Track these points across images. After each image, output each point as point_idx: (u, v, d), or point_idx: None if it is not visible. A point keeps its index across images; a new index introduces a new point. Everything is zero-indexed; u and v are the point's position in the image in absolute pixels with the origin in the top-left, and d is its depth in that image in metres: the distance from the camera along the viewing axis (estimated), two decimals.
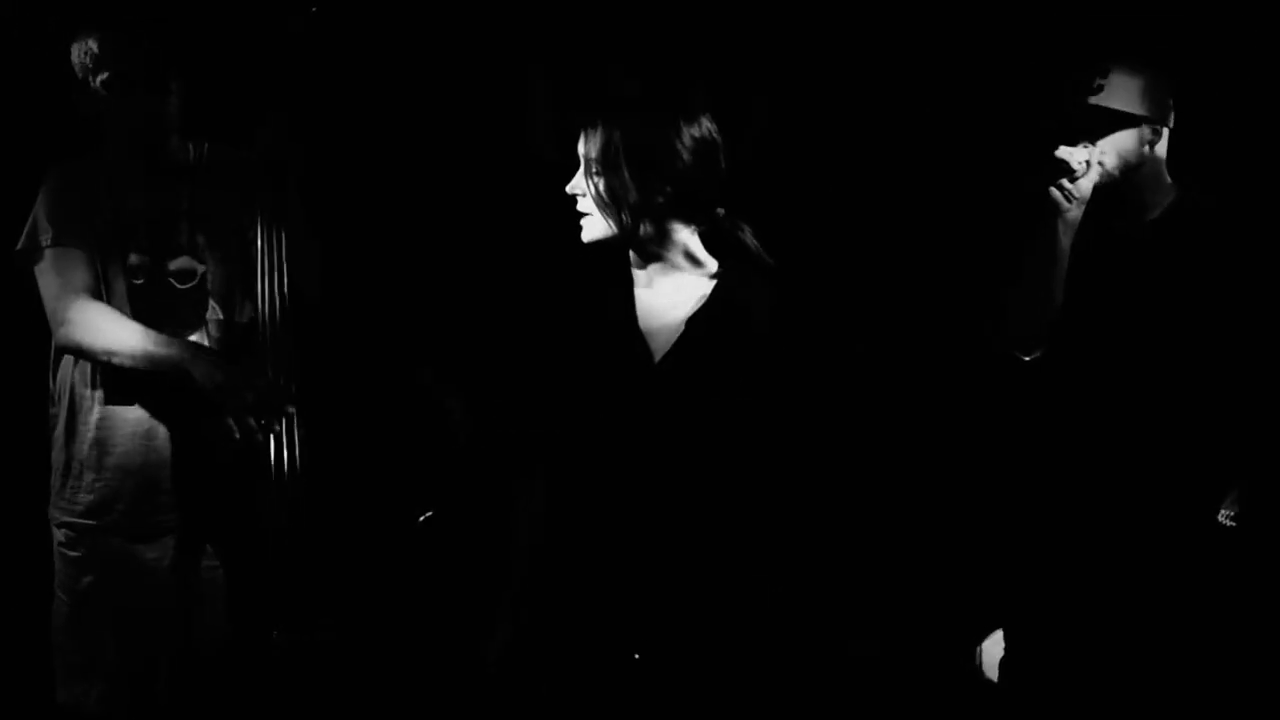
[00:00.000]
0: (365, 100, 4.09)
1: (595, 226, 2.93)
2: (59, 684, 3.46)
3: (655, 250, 2.94)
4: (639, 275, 2.99)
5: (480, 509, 3.61)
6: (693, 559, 2.90)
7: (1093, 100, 3.23)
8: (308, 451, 3.35)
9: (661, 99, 2.94)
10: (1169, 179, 3.35)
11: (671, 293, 2.98)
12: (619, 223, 2.89)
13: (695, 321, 2.91)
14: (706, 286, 2.96)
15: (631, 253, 2.97)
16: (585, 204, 2.92)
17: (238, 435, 3.33)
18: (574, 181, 2.91)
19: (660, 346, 2.92)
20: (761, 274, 2.99)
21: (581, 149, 2.90)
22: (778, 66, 4.19)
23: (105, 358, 3.34)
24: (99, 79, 3.38)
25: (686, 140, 2.83)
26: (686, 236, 2.93)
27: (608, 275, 3.00)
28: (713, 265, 2.98)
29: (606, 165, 2.86)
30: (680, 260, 2.96)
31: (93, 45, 3.38)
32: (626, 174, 2.85)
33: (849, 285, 4.12)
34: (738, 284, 2.98)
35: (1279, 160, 3.76)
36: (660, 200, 2.86)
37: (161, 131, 3.46)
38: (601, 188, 2.87)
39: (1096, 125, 3.23)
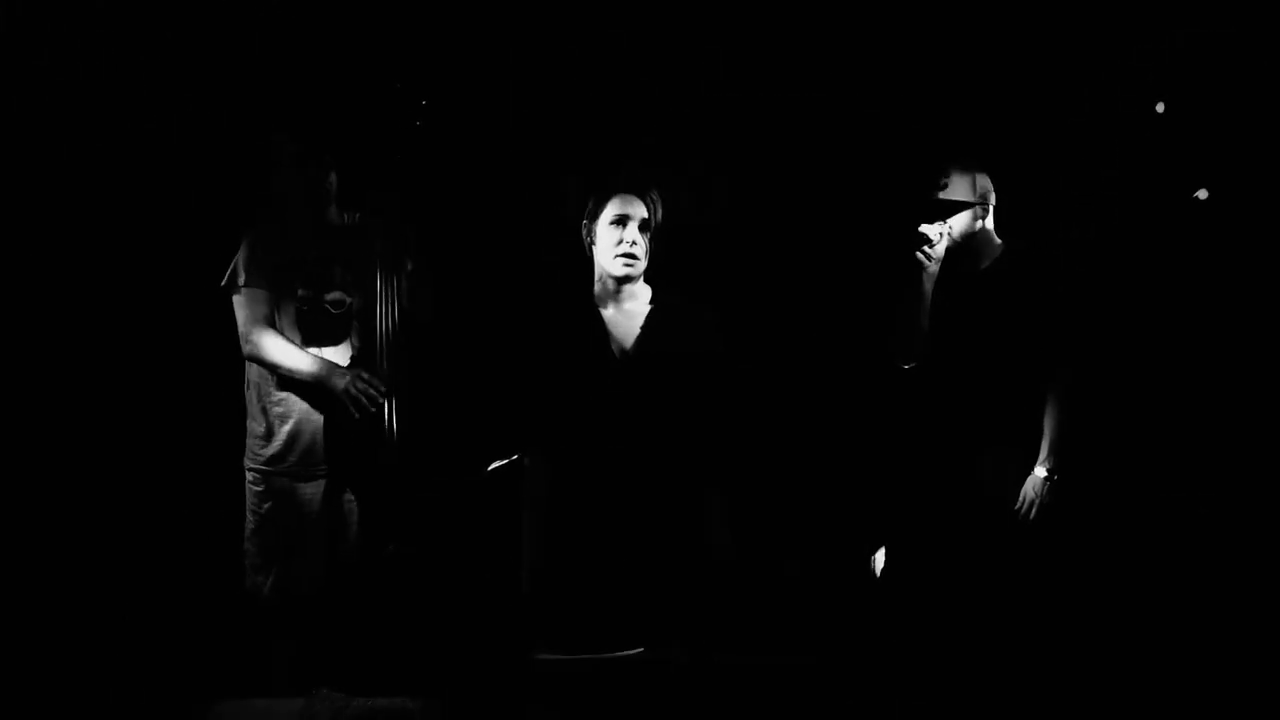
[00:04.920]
0: (457, 179, 4.74)
1: (639, 268, 3.67)
2: (246, 576, 4.12)
3: (629, 288, 3.71)
4: (602, 302, 3.72)
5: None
6: (666, 481, 3.62)
7: (941, 195, 3.97)
8: (409, 427, 3.93)
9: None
10: (995, 238, 4.03)
11: (627, 308, 3.72)
12: (643, 270, 3.70)
13: (645, 330, 3.67)
14: (646, 305, 3.73)
15: (603, 288, 3.69)
16: (641, 250, 3.65)
17: (357, 417, 3.96)
18: (634, 234, 3.60)
19: (629, 341, 3.68)
20: (678, 297, 3.74)
21: (642, 213, 3.61)
22: (732, 157, 4.98)
23: (272, 368, 4.03)
24: (281, 165, 4.09)
25: None
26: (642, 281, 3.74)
27: (579, 308, 3.74)
28: (646, 294, 3.74)
29: (658, 230, 3.68)
30: (635, 292, 3.73)
31: (277, 142, 4.10)
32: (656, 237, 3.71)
33: (783, 312, 4.87)
34: (668, 306, 3.74)
35: (1063, 223, 4.60)
36: (656, 259, 3.75)
37: (323, 201, 4.09)
38: (652, 245, 3.68)
39: (944, 210, 3.96)
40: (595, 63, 4.86)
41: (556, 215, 4.22)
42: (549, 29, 4.85)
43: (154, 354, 4.75)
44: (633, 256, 3.65)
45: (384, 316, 3.99)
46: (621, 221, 3.65)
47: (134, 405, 4.75)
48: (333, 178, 4.12)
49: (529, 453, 3.76)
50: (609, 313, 3.71)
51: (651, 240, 3.67)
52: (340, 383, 3.99)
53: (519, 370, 3.81)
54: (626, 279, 3.70)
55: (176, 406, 4.73)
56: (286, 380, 4.08)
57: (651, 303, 3.72)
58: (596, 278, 3.76)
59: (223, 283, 4.11)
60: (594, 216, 3.73)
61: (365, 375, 3.95)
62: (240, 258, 4.08)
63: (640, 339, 3.68)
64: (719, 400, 3.71)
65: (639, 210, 3.65)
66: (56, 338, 4.68)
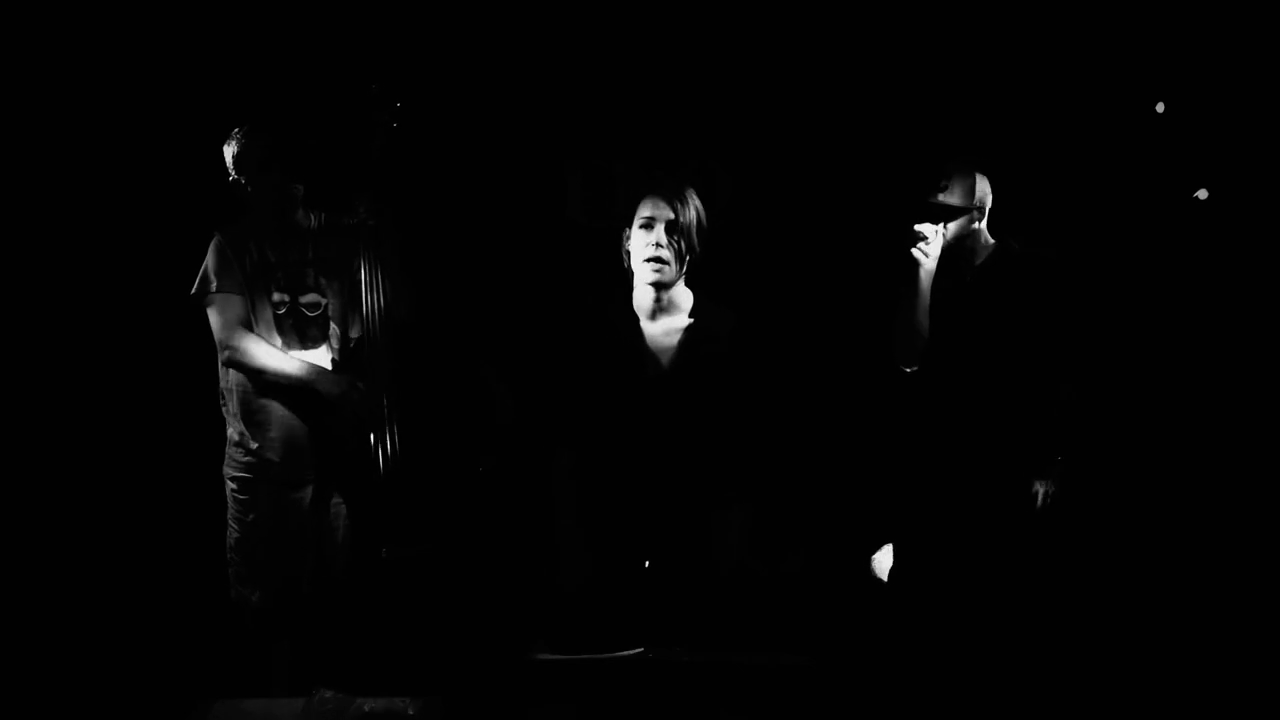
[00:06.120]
0: (434, 179, 4.83)
1: (669, 272, 3.64)
2: (231, 587, 4.12)
3: (668, 295, 3.68)
4: (641, 314, 3.72)
5: (520, 469, 4.07)
6: (690, 494, 3.69)
7: (941, 198, 4.14)
8: (400, 430, 3.94)
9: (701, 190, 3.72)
10: (988, 237, 4.24)
11: (665, 324, 3.72)
12: (678, 273, 3.65)
13: (685, 342, 3.68)
14: (685, 320, 3.72)
15: (642, 297, 3.68)
16: (666, 254, 3.61)
17: (360, 422, 3.96)
18: (660, 237, 3.56)
19: (666, 359, 3.71)
20: (719, 308, 3.77)
21: (668, 215, 3.57)
22: (741, 158, 5.11)
23: (255, 374, 4.03)
24: (245, 169, 4.01)
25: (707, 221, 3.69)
26: (683, 285, 3.75)
27: (618, 315, 3.76)
28: (687, 304, 3.73)
29: (690, 230, 3.63)
30: (675, 300, 3.73)
31: (240, 145, 4.03)
32: (696, 239, 3.66)
33: (791, 317, 4.96)
34: (707, 316, 3.75)
35: (1055, 223, 4.72)
36: (695, 259, 3.70)
37: (291, 204, 4.06)
38: (683, 246, 3.64)
39: (943, 215, 4.14)
40: (587, 59, 4.95)
41: (553, 213, 4.48)
42: (532, 23, 4.92)
43: (123, 364, 4.82)
44: (659, 260, 3.64)
45: (368, 317, 3.98)
46: (649, 225, 3.65)
47: (116, 412, 4.86)
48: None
49: (562, 453, 3.78)
50: (647, 325, 3.72)
51: (680, 241, 3.64)
52: (335, 389, 3.99)
53: (555, 379, 3.83)
54: (659, 284, 3.69)
55: (159, 413, 4.82)
56: (268, 385, 4.06)
57: (691, 315, 3.73)
58: (635, 285, 3.77)
59: (193, 291, 4.08)
60: (628, 223, 3.75)
61: (361, 387, 3.95)
62: (209, 264, 4.05)
63: (677, 357, 3.69)
64: (749, 421, 3.75)
65: (664, 213, 3.63)
66: (21, 349, 4.79)
